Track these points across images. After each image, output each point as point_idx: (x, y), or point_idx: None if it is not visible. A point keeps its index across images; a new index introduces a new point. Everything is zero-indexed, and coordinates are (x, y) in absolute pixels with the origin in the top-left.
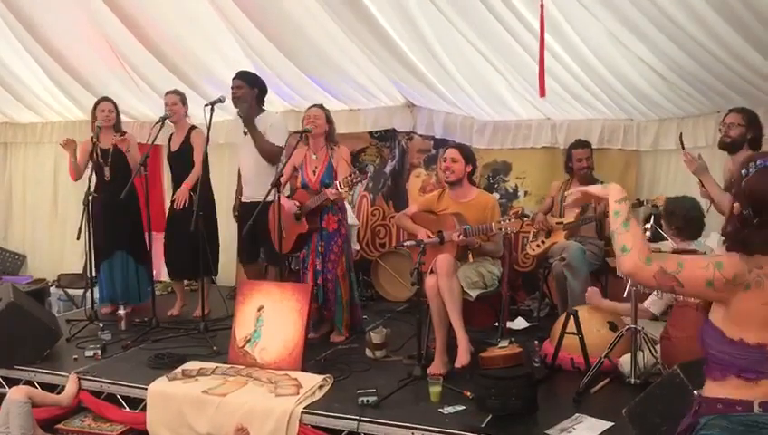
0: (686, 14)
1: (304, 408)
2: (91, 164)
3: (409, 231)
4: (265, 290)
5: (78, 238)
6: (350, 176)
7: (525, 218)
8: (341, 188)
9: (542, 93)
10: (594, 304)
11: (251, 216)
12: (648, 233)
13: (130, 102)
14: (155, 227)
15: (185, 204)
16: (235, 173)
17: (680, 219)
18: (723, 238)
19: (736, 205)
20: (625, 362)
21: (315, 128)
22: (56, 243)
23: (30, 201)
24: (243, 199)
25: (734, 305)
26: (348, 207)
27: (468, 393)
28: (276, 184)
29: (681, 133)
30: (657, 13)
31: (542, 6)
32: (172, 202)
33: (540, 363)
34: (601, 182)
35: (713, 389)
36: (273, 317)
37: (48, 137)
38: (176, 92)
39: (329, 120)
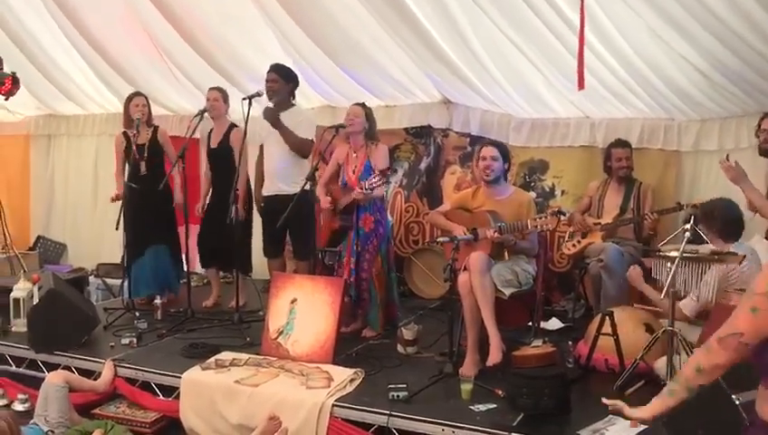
0: (730, 10)
1: (335, 401)
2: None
3: (443, 228)
4: (298, 283)
5: (117, 229)
6: (373, 178)
7: (561, 216)
8: (377, 179)
9: (581, 86)
10: (635, 283)
11: (274, 209)
12: (687, 234)
13: (170, 96)
14: (192, 220)
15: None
16: None
17: (719, 221)
18: None
19: None
20: (661, 364)
21: (351, 126)
22: (96, 233)
23: (71, 192)
24: (264, 193)
25: None
26: None
27: (500, 392)
28: (311, 177)
29: (728, 155)
30: (700, 9)
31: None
32: (212, 196)
33: (573, 364)
34: (640, 182)
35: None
36: (305, 310)
37: (90, 129)
38: (218, 89)
39: (368, 118)
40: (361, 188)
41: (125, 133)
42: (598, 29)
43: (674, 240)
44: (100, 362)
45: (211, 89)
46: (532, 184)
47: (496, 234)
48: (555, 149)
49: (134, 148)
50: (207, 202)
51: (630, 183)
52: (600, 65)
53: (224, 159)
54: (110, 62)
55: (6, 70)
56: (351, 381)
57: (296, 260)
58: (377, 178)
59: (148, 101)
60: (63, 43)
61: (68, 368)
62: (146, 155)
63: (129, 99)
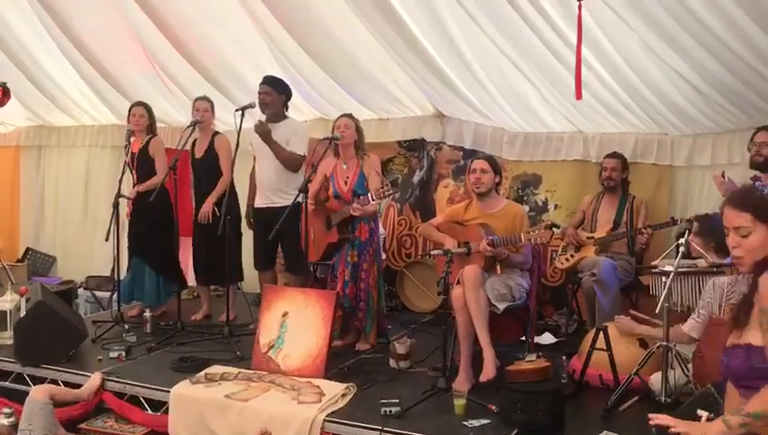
0: (724, 25)
1: (326, 416)
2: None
3: (435, 241)
4: (290, 296)
5: (107, 240)
6: (383, 187)
7: (555, 229)
8: (374, 199)
9: (579, 96)
10: (627, 332)
11: (265, 220)
12: (681, 249)
13: (162, 107)
14: (182, 232)
15: (208, 219)
16: None
17: (719, 235)
18: None
19: None
20: (655, 380)
21: (344, 137)
22: (85, 245)
23: (61, 204)
24: (256, 205)
25: None
26: None
27: (493, 407)
28: (304, 189)
29: (723, 172)
30: (694, 24)
31: (579, 7)
32: (196, 208)
33: (567, 379)
34: (633, 197)
35: None
36: (297, 323)
37: (81, 140)
38: (206, 99)
39: (358, 130)
40: (365, 201)
41: (126, 143)
42: (592, 43)
43: (668, 256)
44: (88, 376)
45: (199, 99)
46: (525, 198)
47: (489, 247)
48: (548, 163)
49: (127, 157)
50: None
51: (624, 197)
52: (593, 80)
53: (208, 168)
54: (102, 73)
55: None
56: (343, 395)
57: (288, 273)
58: (387, 189)
59: (148, 111)
60: (55, 54)
61: (54, 381)
62: (136, 164)
63: (129, 108)
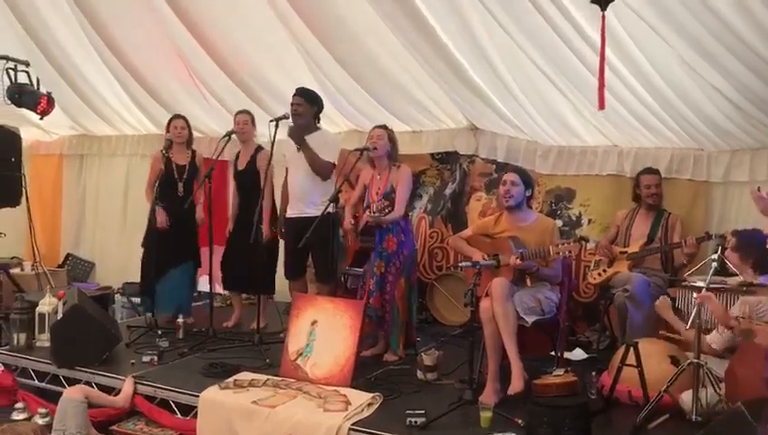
0: (762, 38)
1: (352, 425)
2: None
3: (464, 253)
4: (319, 305)
5: (143, 246)
6: (378, 203)
7: (585, 242)
8: (374, 213)
9: (602, 106)
10: (662, 313)
11: (296, 230)
12: (714, 264)
13: (200, 117)
14: (217, 241)
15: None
16: None
17: (757, 251)
18: None
19: None
20: (686, 397)
21: (377, 149)
22: (123, 252)
23: (101, 211)
24: (288, 215)
25: None
26: None
27: (520, 421)
28: (335, 199)
29: (759, 187)
30: (731, 38)
31: (603, 18)
32: (239, 218)
33: (596, 395)
34: (669, 213)
35: None
36: (325, 332)
37: (121, 149)
38: (246, 112)
39: (391, 140)
40: (372, 212)
41: (163, 153)
42: (627, 58)
43: (699, 271)
44: (121, 379)
45: (239, 112)
46: (559, 212)
47: (518, 260)
48: (582, 178)
49: (174, 167)
50: (234, 224)
51: (659, 213)
52: (629, 94)
53: (250, 181)
54: (142, 84)
55: (42, 90)
56: (369, 405)
57: (318, 283)
58: (382, 202)
59: (188, 124)
60: (99, 66)
61: (88, 384)
62: (185, 176)
63: (170, 120)
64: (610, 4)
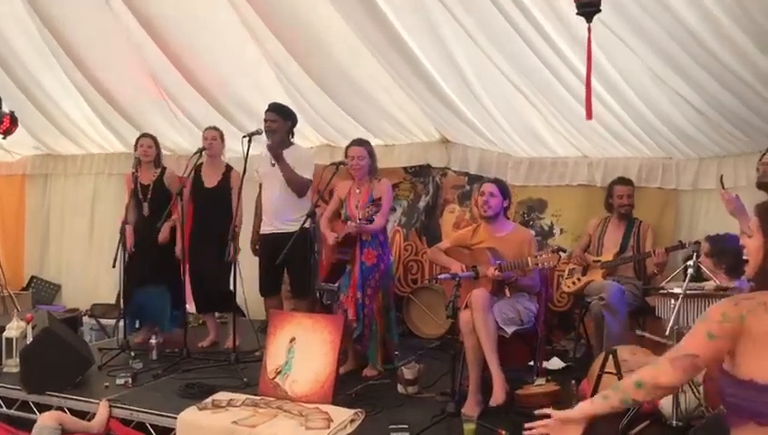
0: (726, 49)
1: None
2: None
3: (443, 265)
4: (297, 321)
5: (113, 266)
6: (365, 209)
7: (562, 253)
8: (359, 222)
9: (589, 116)
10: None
11: (272, 247)
12: (690, 271)
13: (169, 135)
14: (188, 260)
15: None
16: None
17: (732, 257)
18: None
19: None
20: (666, 403)
21: (358, 169)
22: (90, 273)
23: (67, 232)
24: (262, 231)
25: (740, 345)
26: None
27: (503, 432)
28: (312, 214)
29: (722, 175)
30: (696, 48)
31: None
32: (206, 238)
33: (577, 404)
34: (640, 221)
35: None
36: (304, 349)
37: (88, 168)
38: (215, 128)
39: (371, 155)
40: (357, 220)
41: (133, 172)
42: (596, 68)
43: (673, 278)
44: (95, 403)
45: (208, 128)
46: (531, 223)
47: (497, 271)
48: (553, 188)
49: (138, 187)
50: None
51: (630, 221)
52: (597, 104)
53: (222, 199)
54: (109, 101)
55: (5, 108)
56: (352, 421)
57: (295, 299)
58: (371, 208)
59: (156, 143)
60: (64, 82)
61: (61, 409)
62: (149, 196)
63: (137, 139)
64: (582, 17)
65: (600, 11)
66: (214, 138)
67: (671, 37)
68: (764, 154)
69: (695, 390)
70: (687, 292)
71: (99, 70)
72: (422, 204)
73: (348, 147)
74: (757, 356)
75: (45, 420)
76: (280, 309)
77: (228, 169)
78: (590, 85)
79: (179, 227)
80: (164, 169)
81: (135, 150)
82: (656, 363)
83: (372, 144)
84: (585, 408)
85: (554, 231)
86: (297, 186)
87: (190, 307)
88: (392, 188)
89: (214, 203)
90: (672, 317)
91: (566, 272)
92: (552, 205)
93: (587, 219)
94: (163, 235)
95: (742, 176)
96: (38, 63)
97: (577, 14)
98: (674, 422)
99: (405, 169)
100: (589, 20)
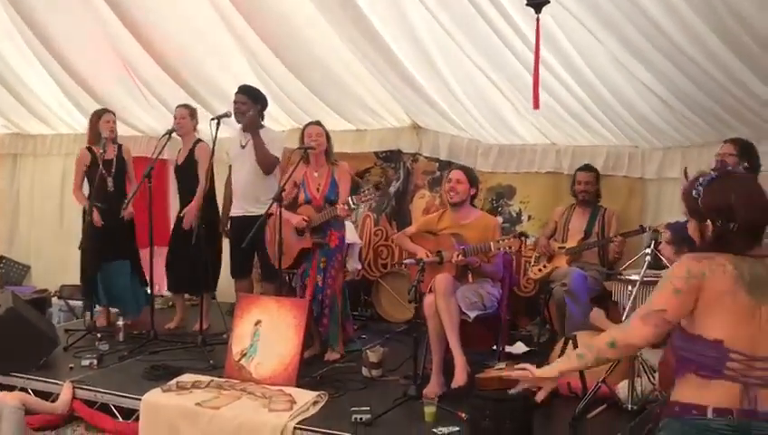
0: (687, 37)
1: (297, 423)
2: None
3: (409, 250)
4: (263, 305)
5: (80, 247)
6: (365, 192)
7: (524, 238)
8: (354, 204)
9: (536, 105)
10: (597, 324)
11: (242, 229)
12: (648, 258)
13: (139, 116)
14: (157, 241)
15: (190, 226)
16: None
17: (691, 244)
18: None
19: (708, 223)
20: (622, 387)
21: (318, 145)
22: (60, 254)
23: (36, 212)
24: (232, 214)
25: (699, 302)
26: (350, 225)
27: (463, 414)
28: (279, 198)
29: (686, 168)
30: (659, 36)
31: (537, 21)
32: (179, 217)
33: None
34: (605, 208)
35: (675, 390)
36: (269, 332)
37: (57, 149)
38: (186, 106)
39: (327, 137)
40: (346, 205)
41: (89, 149)
42: (562, 56)
43: (635, 264)
44: (59, 384)
45: (178, 106)
46: (500, 209)
47: (460, 256)
48: (522, 175)
49: (100, 164)
50: (173, 225)
51: (595, 208)
52: (564, 92)
53: (188, 175)
54: (78, 81)
55: None
56: (315, 403)
57: (264, 282)
58: (370, 192)
59: (114, 118)
60: (32, 61)
61: (24, 390)
62: (113, 171)
63: (99, 115)
64: (531, 8)
65: (548, 2)
66: (183, 116)
67: (631, 23)
68: (721, 146)
69: (650, 375)
70: (644, 278)
71: (67, 49)
72: (392, 189)
73: (305, 127)
74: (707, 314)
75: (8, 400)
76: (250, 292)
77: (196, 142)
78: (537, 74)
79: (147, 210)
80: (120, 145)
81: (96, 126)
82: (627, 323)
83: (344, 129)
84: (561, 366)
85: (522, 217)
86: (265, 161)
87: (161, 288)
88: (360, 175)
89: (182, 178)
90: (629, 304)
91: (533, 259)
92: (521, 192)
93: (554, 206)
94: (128, 211)
95: (705, 166)
96: (4, 41)
97: (527, 5)
98: (629, 406)
99: (376, 154)
100: (537, 11)
